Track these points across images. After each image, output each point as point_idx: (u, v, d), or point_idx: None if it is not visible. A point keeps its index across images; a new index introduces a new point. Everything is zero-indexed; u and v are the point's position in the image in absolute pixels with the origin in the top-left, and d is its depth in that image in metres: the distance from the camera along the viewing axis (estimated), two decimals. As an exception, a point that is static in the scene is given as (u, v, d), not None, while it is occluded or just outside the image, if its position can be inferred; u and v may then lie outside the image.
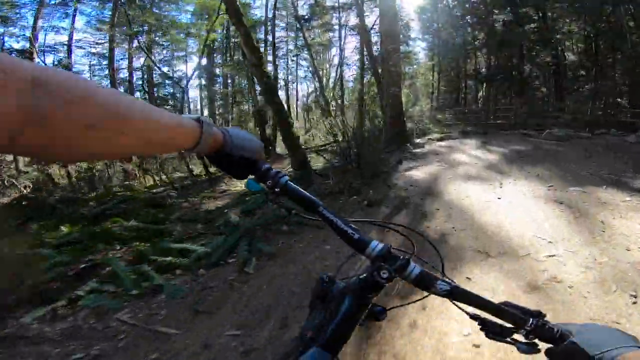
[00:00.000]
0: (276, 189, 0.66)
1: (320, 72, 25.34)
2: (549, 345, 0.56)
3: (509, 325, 0.58)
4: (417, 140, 12.18)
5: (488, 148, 9.71)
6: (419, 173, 6.77)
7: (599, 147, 8.65)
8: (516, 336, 0.58)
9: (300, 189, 0.67)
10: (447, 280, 0.60)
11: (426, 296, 0.63)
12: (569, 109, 15.94)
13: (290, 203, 0.69)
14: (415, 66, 29.53)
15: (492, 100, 22.15)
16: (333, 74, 28.55)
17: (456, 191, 5.29)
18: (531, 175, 6.04)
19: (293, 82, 30.70)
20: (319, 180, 6.70)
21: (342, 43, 26.71)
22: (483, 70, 24.21)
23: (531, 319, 0.57)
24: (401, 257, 0.60)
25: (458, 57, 25.08)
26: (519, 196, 4.88)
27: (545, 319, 0.57)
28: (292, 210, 0.75)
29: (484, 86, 24.41)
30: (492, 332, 0.59)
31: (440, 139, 12.97)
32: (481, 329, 0.61)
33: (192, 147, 0.55)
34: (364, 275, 0.62)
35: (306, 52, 24.10)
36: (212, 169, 9.92)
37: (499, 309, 0.58)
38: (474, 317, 0.62)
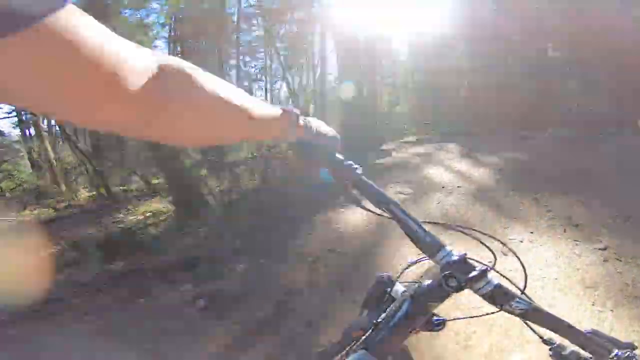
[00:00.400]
0: (346, 182, 0.66)
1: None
2: None
3: (586, 354, 0.54)
4: (385, 147, 9.60)
5: (476, 157, 6.85)
6: (356, 217, 3.78)
7: (633, 155, 5.78)
8: None
9: (373, 184, 0.66)
10: (525, 298, 0.55)
11: (495, 312, 0.58)
12: (578, 104, 13.24)
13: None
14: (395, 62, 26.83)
15: (478, 95, 19.45)
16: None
17: (414, 274, 2.39)
18: (556, 219, 3.26)
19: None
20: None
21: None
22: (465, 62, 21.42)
23: (616, 351, 0.52)
24: (477, 267, 0.55)
25: (439, 49, 22.27)
26: (552, 295, 2.21)
27: (635, 352, 0.52)
28: (360, 204, 0.71)
29: (467, 81, 21.70)
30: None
31: (417, 143, 10.65)
32: (551, 356, 0.56)
33: (280, 134, 0.58)
34: (430, 281, 0.59)
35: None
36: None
37: (582, 336, 0.53)
38: (547, 342, 0.58)
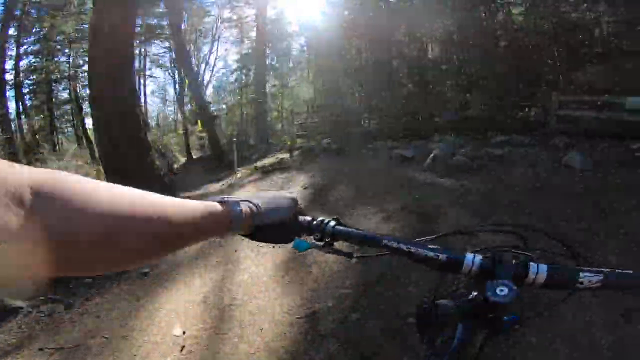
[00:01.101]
0: (326, 240, 0.60)
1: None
2: None
3: None
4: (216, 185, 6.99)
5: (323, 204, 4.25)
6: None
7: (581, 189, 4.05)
8: None
9: (353, 228, 0.61)
10: (592, 268, 0.46)
11: (571, 294, 0.55)
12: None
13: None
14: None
15: (363, 100, 17.36)
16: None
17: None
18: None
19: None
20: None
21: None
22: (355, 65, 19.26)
23: None
24: (514, 261, 0.48)
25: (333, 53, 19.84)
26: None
27: None
28: (351, 255, 0.63)
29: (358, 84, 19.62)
30: None
31: (266, 172, 8.51)
32: None
33: (225, 232, 0.53)
34: (474, 295, 0.52)
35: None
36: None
37: None
38: None
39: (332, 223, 0.61)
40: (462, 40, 16.46)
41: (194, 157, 15.61)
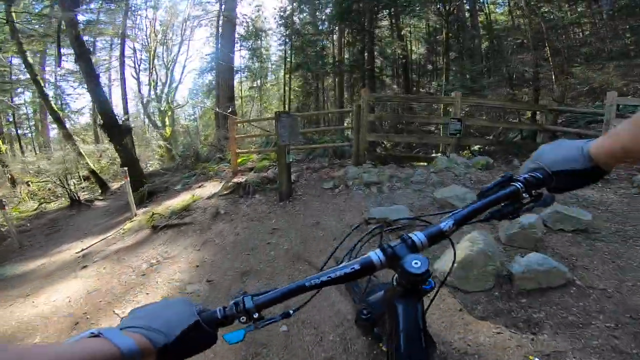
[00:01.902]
0: (254, 316, 0.56)
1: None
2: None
3: (512, 200, 0.60)
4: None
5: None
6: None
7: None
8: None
9: (270, 290, 0.58)
10: (444, 218, 0.60)
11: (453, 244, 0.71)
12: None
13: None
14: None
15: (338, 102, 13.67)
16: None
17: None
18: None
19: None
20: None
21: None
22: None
23: (516, 185, 0.59)
24: (399, 241, 0.58)
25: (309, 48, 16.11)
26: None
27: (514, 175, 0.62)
28: (289, 314, 0.62)
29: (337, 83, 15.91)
30: (510, 213, 0.60)
31: (160, 226, 5.30)
32: (500, 219, 0.62)
33: None
34: (395, 278, 0.60)
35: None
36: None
37: (494, 200, 0.60)
38: (488, 218, 0.62)
39: (248, 298, 0.56)
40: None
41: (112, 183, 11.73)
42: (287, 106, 17.85)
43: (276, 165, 5.68)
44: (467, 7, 14.33)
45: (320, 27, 16.92)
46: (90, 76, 8.14)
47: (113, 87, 19.64)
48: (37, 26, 10.54)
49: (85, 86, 9.45)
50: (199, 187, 7.26)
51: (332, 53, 17.70)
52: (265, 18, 18.68)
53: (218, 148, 11.27)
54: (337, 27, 16.12)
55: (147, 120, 20.04)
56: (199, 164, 10.15)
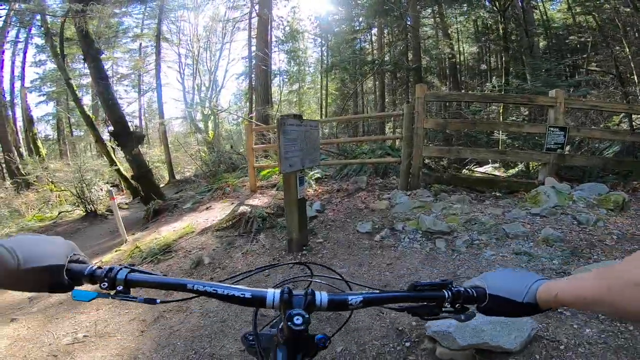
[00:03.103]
0: (118, 288, 0.50)
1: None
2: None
3: (433, 304, 0.55)
4: None
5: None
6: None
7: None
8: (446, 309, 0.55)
9: (150, 272, 0.53)
10: (356, 292, 0.55)
11: (351, 315, 0.60)
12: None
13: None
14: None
15: (380, 105, 11.48)
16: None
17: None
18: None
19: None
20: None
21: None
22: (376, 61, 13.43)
23: (445, 292, 0.54)
24: (303, 292, 0.51)
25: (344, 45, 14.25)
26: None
27: (454, 284, 0.56)
28: (154, 301, 0.54)
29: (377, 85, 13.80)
30: (424, 314, 0.55)
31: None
32: (413, 315, 0.56)
33: None
34: (281, 326, 0.51)
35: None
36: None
37: (415, 297, 0.55)
38: (401, 309, 0.57)
39: (125, 270, 0.51)
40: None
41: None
42: (324, 110, 15.93)
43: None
44: (520, 4, 11.63)
45: (356, 27, 14.87)
46: (99, 78, 6.72)
47: (153, 91, 18.84)
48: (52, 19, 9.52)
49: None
50: (206, 208, 5.51)
51: (371, 53, 15.61)
52: (301, 20, 16.90)
53: (244, 157, 9.63)
54: (375, 25, 14.02)
55: (191, 125, 19.14)
56: (224, 175, 8.51)
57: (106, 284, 0.49)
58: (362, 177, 4.77)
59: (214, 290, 0.50)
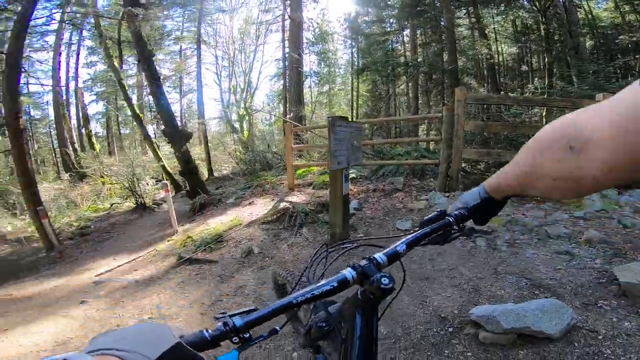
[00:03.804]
0: (243, 336, 0.50)
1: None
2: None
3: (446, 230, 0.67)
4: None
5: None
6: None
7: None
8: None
9: (251, 308, 0.54)
10: (398, 243, 0.65)
11: (402, 264, 0.69)
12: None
13: None
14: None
15: (414, 105, 11.47)
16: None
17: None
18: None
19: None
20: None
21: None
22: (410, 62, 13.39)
23: (449, 218, 0.67)
24: (366, 261, 0.61)
25: (376, 44, 14.31)
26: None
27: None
28: (276, 330, 0.59)
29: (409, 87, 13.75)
30: (442, 240, 0.69)
31: (190, 259, 3.66)
32: (436, 244, 0.69)
33: None
34: (360, 291, 0.61)
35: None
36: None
37: (433, 230, 0.67)
38: (432, 242, 0.68)
39: (236, 318, 0.51)
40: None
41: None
42: (355, 112, 16.07)
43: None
44: (562, 3, 11.12)
45: (387, 28, 14.87)
46: (152, 79, 7.33)
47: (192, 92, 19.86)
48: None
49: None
50: (249, 204, 5.88)
51: (404, 54, 15.54)
52: (330, 21, 17.15)
53: (281, 156, 10.02)
54: (407, 26, 13.96)
55: (227, 125, 19.94)
56: (260, 173, 8.94)
57: (236, 338, 0.50)
58: (399, 178, 4.93)
59: (311, 294, 0.56)
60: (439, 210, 0.70)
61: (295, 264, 3.20)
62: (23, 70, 5.92)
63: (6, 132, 6.69)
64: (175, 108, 19.64)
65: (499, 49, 14.43)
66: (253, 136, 17.70)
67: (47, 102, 17.29)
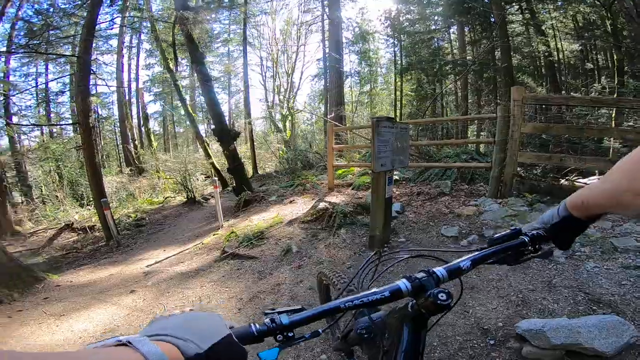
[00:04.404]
0: (287, 334, 0.50)
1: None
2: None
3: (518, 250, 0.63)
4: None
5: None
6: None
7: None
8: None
9: (291, 307, 0.54)
10: (463, 258, 0.62)
11: (462, 282, 0.66)
12: None
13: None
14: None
15: (464, 105, 10.91)
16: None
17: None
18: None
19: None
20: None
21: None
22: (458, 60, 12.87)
23: (524, 237, 0.63)
24: (424, 274, 0.58)
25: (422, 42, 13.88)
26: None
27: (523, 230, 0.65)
28: (318, 333, 0.58)
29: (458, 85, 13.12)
30: (512, 260, 0.65)
31: (234, 254, 3.80)
32: (504, 264, 0.65)
33: None
34: (411, 303, 0.58)
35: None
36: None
37: (503, 249, 0.63)
38: (495, 262, 0.64)
39: (283, 316, 0.51)
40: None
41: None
42: (398, 112, 15.65)
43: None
44: None
45: (432, 26, 14.24)
46: (204, 80, 7.71)
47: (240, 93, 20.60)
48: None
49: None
50: (290, 202, 5.95)
51: (451, 52, 14.82)
52: (370, 20, 16.84)
53: (322, 156, 10.05)
54: (454, 24, 13.26)
55: (270, 124, 20.48)
56: (302, 172, 9.04)
57: (281, 336, 0.49)
58: (446, 181, 4.69)
59: (361, 301, 0.55)
60: (513, 228, 0.65)
61: (331, 266, 3.16)
62: (92, 72, 6.50)
63: (78, 129, 7.44)
64: (224, 108, 20.58)
65: (559, 45, 13.26)
66: (295, 136, 18.00)
67: (112, 101, 18.96)
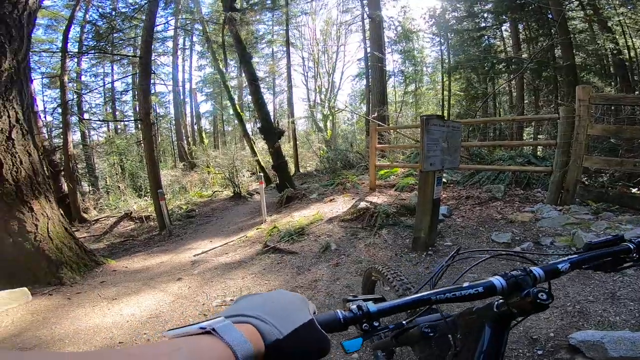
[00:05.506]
0: (374, 324, 0.47)
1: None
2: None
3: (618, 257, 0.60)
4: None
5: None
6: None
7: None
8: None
9: (375, 296, 0.52)
10: (562, 260, 0.59)
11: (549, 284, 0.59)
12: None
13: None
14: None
15: (521, 107, 10.20)
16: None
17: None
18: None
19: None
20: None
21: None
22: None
23: (629, 244, 0.59)
24: (521, 272, 0.55)
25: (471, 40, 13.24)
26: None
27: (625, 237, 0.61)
28: (402, 324, 0.63)
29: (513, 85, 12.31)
30: (608, 267, 0.61)
31: (276, 248, 3.89)
32: (599, 270, 0.62)
33: None
34: (498, 302, 0.55)
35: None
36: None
37: (601, 255, 0.60)
38: (590, 268, 0.61)
39: (369, 304, 0.48)
40: None
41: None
42: (446, 112, 14.97)
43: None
44: None
45: (482, 23, 13.36)
46: (251, 80, 7.96)
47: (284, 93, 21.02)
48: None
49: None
50: (330, 200, 5.93)
51: (504, 50, 13.83)
52: (413, 19, 16.22)
53: (363, 156, 9.92)
54: (507, 21, 12.31)
55: (312, 124, 20.68)
56: (342, 171, 9.00)
57: (367, 325, 0.47)
58: (499, 185, 4.37)
59: (453, 295, 0.53)
60: (613, 234, 0.61)
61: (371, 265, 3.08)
62: (152, 72, 6.97)
63: (140, 125, 8.05)
64: (269, 107, 21.12)
65: (629, 43, 11.84)
66: (336, 135, 17.98)
67: (168, 100, 20.32)
